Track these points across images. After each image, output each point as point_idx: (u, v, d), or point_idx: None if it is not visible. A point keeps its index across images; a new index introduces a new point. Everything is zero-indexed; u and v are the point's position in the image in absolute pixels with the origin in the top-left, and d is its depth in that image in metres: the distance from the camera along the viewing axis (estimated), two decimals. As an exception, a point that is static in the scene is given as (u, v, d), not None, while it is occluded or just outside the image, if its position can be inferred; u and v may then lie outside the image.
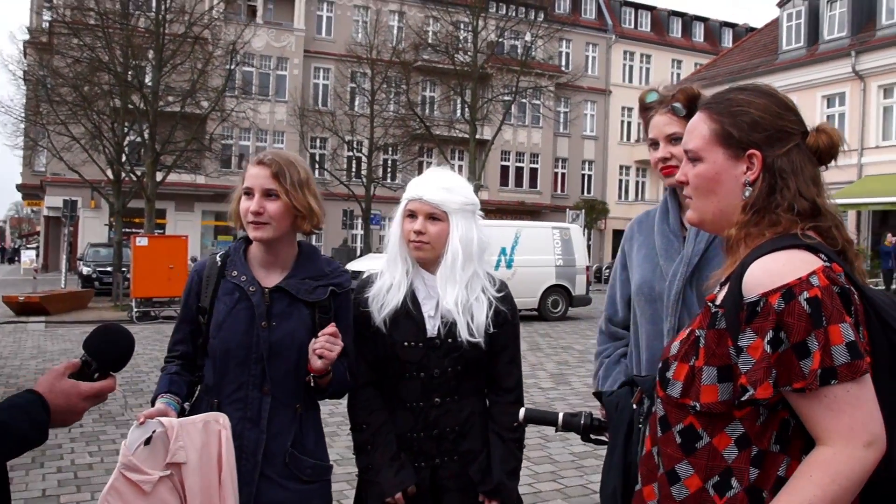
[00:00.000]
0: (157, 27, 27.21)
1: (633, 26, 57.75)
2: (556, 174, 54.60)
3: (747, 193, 1.93)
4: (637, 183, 58.10)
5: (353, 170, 42.80)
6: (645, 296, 3.09)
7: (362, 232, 39.99)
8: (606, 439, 2.51)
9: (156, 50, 27.48)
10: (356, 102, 43.86)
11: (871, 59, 30.88)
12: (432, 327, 3.06)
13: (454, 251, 3.06)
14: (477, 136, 38.01)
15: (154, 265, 20.50)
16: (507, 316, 3.17)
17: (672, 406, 1.90)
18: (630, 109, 57.11)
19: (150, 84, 27.71)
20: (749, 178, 1.93)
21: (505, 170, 50.58)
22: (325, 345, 2.83)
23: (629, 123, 57.37)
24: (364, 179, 39.97)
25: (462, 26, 40.42)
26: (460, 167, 41.45)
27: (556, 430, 2.69)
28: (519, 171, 51.50)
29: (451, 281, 3.06)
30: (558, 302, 22.89)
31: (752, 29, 54.99)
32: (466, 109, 38.74)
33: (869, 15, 32.31)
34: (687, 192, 2.07)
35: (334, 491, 3.29)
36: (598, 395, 2.56)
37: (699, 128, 2.02)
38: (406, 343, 3.05)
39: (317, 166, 46.08)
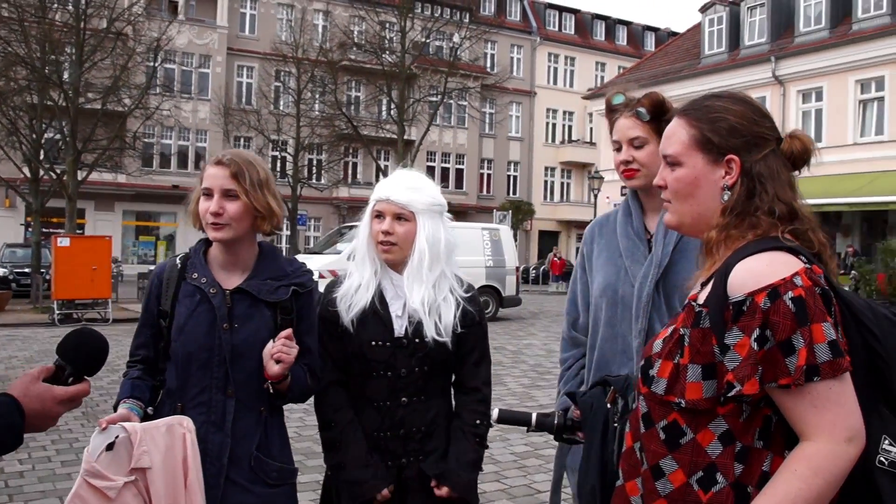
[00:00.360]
0: (78, 21, 26.53)
1: (557, 29, 58.41)
2: (481, 175, 55.06)
3: (725, 197, 2.00)
4: (562, 184, 58.78)
5: (279, 170, 42.51)
6: (608, 298, 3.13)
7: (289, 232, 39.63)
8: (579, 439, 2.53)
9: (76, 45, 26.79)
10: (281, 102, 43.45)
11: (791, 64, 31.54)
12: (399, 327, 3.07)
13: (421, 251, 3.07)
14: (405, 137, 37.96)
15: (76, 266, 20.06)
16: (474, 317, 3.18)
17: (655, 403, 1.95)
18: (555, 111, 57.79)
19: (69, 80, 26.98)
20: (727, 182, 2.00)
21: (431, 170, 50.43)
22: (283, 349, 2.81)
23: (554, 125, 58.06)
24: (290, 179, 39.74)
25: (389, 26, 40.36)
26: (386, 167, 41.31)
27: (529, 430, 2.70)
28: (445, 171, 51.68)
29: (418, 281, 3.08)
30: (489, 303, 22.91)
31: (674, 33, 56.08)
32: (394, 110, 38.63)
33: (788, 22, 33.06)
34: (665, 195, 2.12)
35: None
36: (571, 395, 2.58)
37: (678, 133, 2.08)
38: (373, 342, 3.05)
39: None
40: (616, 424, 2.30)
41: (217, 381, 2.91)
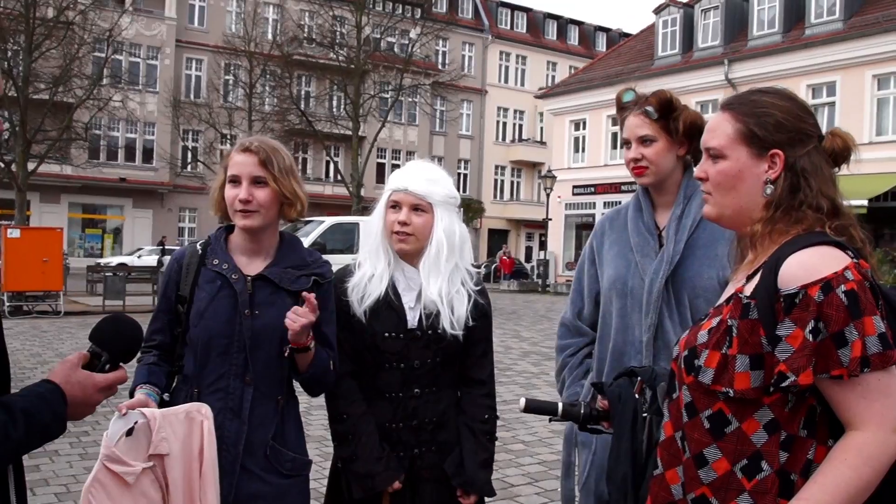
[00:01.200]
0: (27, 10, 26.00)
1: (509, 27, 58.64)
2: (432, 173, 54.81)
3: (768, 191, 2.04)
4: (512, 183, 59.08)
5: (230, 164, 41.86)
6: (618, 291, 3.17)
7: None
8: (603, 429, 2.58)
9: (25, 34, 26.27)
10: (231, 95, 43.03)
11: (743, 67, 31.90)
12: (413, 318, 3.06)
13: (439, 243, 3.07)
14: (360, 134, 37.75)
15: (27, 258, 19.79)
16: (484, 309, 3.20)
17: (701, 392, 1.98)
18: (506, 110, 58.04)
19: (19, 70, 26.43)
20: (771, 176, 2.04)
21: (381, 167, 50.61)
22: (293, 315, 2.79)
23: (504, 124, 58.33)
24: (242, 173, 39.04)
25: (342, 21, 40.07)
26: (336, 164, 41.09)
27: (554, 420, 2.72)
28: (395, 168, 51.26)
29: (435, 273, 3.07)
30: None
31: (626, 34, 56.54)
32: (349, 105, 38.40)
33: (741, 25, 33.45)
34: (706, 187, 2.16)
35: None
36: (597, 386, 2.62)
37: (722, 126, 2.12)
38: (387, 334, 3.04)
39: (190, 159, 45.14)
40: (645, 414, 2.34)
41: (236, 368, 2.89)
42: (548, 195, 37.58)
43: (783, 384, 1.84)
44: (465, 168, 56.90)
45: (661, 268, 3.05)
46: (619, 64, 39.10)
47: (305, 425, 3.56)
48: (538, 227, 52.12)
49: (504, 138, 58.16)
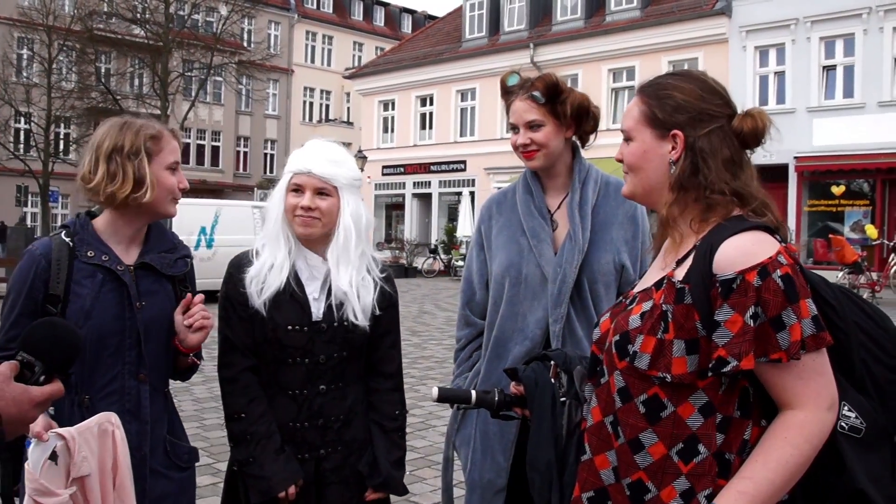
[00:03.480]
0: None
1: (315, 7, 57.76)
2: (238, 153, 53.74)
3: (672, 171, 2.09)
4: (320, 163, 58.34)
5: (26, 143, 39.80)
6: (511, 277, 3.14)
7: (40, 210, 37.24)
8: (515, 415, 2.55)
9: None
10: (27, 70, 40.44)
11: (548, 51, 32.80)
12: (317, 310, 2.90)
13: (346, 228, 2.90)
14: (168, 113, 36.41)
15: None
16: (391, 298, 3.06)
17: (636, 377, 2.00)
18: (312, 90, 57.30)
19: None
20: (673, 157, 2.09)
21: (186, 147, 48.93)
22: (203, 315, 2.73)
23: (311, 104, 57.57)
24: (42, 154, 37.31)
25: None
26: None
27: (468, 408, 2.70)
28: (200, 148, 50.20)
29: (345, 261, 2.91)
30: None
31: (431, 17, 56.89)
32: (157, 84, 36.95)
33: (546, 11, 34.35)
34: (623, 168, 2.22)
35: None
36: (511, 371, 2.54)
37: (632, 110, 2.18)
38: (290, 327, 2.86)
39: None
40: (563, 399, 2.33)
41: (129, 367, 2.74)
42: (359, 176, 37.47)
43: (724, 369, 1.88)
44: (272, 148, 55.86)
45: (574, 257, 3.04)
46: (427, 45, 39.34)
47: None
48: (347, 208, 51.65)
49: (311, 118, 57.41)
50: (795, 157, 26.36)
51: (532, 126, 3.08)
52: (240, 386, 2.90)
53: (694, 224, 2.05)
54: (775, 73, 27.67)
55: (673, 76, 2.18)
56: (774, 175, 25.39)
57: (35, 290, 2.69)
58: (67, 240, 2.75)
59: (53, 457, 2.37)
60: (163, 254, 2.86)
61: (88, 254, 2.73)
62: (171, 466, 2.83)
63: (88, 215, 2.85)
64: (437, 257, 35.23)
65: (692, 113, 2.07)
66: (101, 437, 2.54)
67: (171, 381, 2.99)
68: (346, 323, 2.89)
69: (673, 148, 2.09)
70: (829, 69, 26.80)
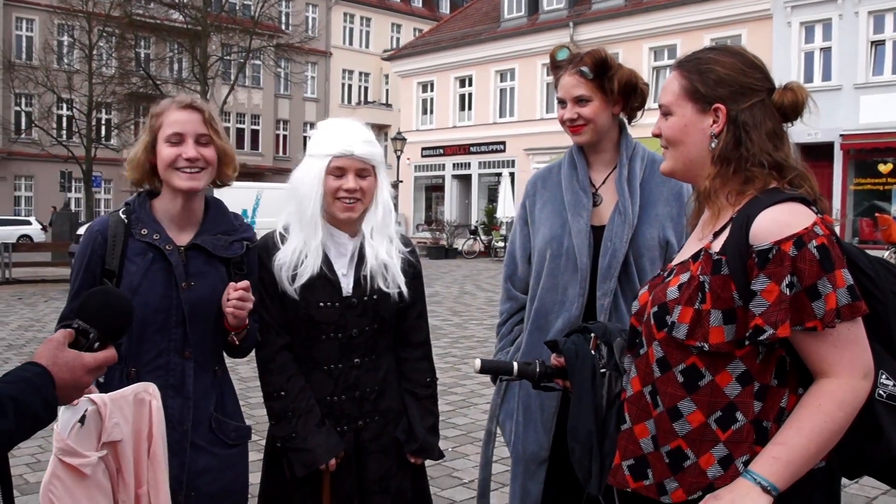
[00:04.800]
0: None
1: (353, -12, 57.76)
2: (277, 136, 54.05)
3: (713, 145, 2.11)
4: (360, 146, 58.44)
5: (68, 129, 40.33)
6: (553, 250, 3.16)
7: (83, 195, 37.69)
8: (557, 386, 2.59)
9: None
10: (68, 57, 40.89)
11: (588, 30, 32.59)
12: (347, 286, 2.96)
13: (385, 205, 3.00)
14: (207, 97, 36.68)
15: None
16: (416, 270, 3.13)
17: (674, 347, 2.04)
18: (351, 72, 57.39)
19: None
20: (715, 130, 2.10)
21: (226, 132, 49.08)
22: (238, 302, 2.74)
23: (350, 86, 57.67)
24: (84, 140, 37.74)
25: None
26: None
27: (510, 380, 2.71)
28: (240, 132, 50.51)
29: (384, 236, 3.00)
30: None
31: (469, -3, 56.59)
32: (197, 68, 37.25)
33: (586, -12, 34.03)
34: (661, 143, 2.24)
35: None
36: (551, 344, 2.59)
37: (671, 84, 2.19)
38: (321, 304, 2.93)
39: (25, 125, 42.97)
40: (603, 370, 2.35)
41: (175, 343, 2.81)
42: (398, 157, 37.52)
43: (760, 338, 1.91)
44: (311, 131, 56.04)
45: (624, 231, 3.05)
46: (466, 26, 39.31)
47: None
48: (387, 190, 51.82)
49: (350, 101, 57.55)
50: (841, 135, 26.06)
51: (580, 101, 3.09)
52: (277, 364, 2.97)
53: (731, 197, 2.07)
54: (821, 49, 27.31)
55: (712, 51, 2.19)
56: (819, 153, 25.13)
57: (93, 265, 2.80)
58: (124, 217, 2.84)
59: (83, 420, 2.43)
60: (219, 235, 2.89)
61: (142, 231, 2.81)
62: (216, 442, 2.87)
63: (148, 195, 2.91)
64: (478, 238, 35.30)
65: (734, 87, 2.09)
66: (137, 405, 2.59)
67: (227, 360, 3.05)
68: (375, 297, 2.95)
69: (714, 122, 2.10)
70: (878, 44, 26.40)
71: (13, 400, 1.56)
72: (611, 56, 3.10)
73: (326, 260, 2.94)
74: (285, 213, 3.03)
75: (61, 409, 2.42)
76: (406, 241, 3.13)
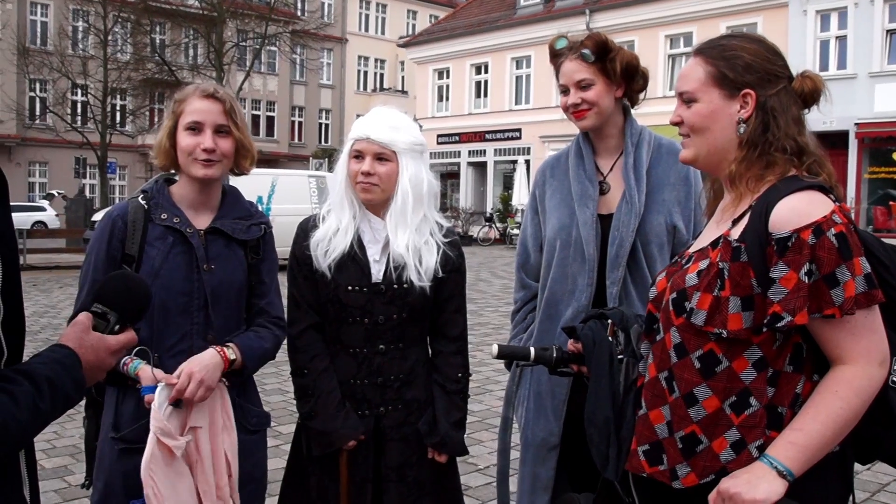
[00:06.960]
0: None
1: (368, -25, 57.66)
2: (293, 123, 54.08)
3: (741, 130, 2.12)
4: (374, 133, 58.35)
5: (83, 115, 40.39)
6: (562, 240, 3.17)
7: (98, 181, 37.75)
8: (572, 371, 2.60)
9: None
10: (83, 43, 40.95)
11: (604, 17, 32.47)
12: (377, 272, 2.97)
13: (404, 193, 2.96)
14: (223, 84, 36.73)
15: None
16: (455, 263, 3.09)
17: (692, 333, 2.07)
18: (366, 59, 57.32)
19: None
20: (743, 115, 2.12)
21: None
22: (196, 391, 2.67)
23: (366, 73, 57.62)
24: (99, 126, 37.75)
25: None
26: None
27: (527, 365, 2.72)
28: (255, 119, 50.57)
29: (402, 224, 2.97)
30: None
31: (485, -16, 56.34)
32: (213, 54, 37.31)
33: (601, -25, 33.86)
34: (682, 131, 2.23)
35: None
36: (569, 329, 2.60)
37: (694, 71, 2.19)
38: (350, 287, 2.95)
39: (39, 111, 43.07)
40: (621, 356, 2.37)
41: (197, 327, 2.83)
42: (414, 144, 37.55)
43: (778, 324, 1.94)
44: (327, 118, 56.13)
45: (631, 220, 3.06)
46: (481, 13, 39.20)
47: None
48: (402, 177, 51.72)
49: (365, 88, 57.50)
50: (856, 124, 25.93)
51: (582, 85, 3.08)
52: (303, 343, 3.01)
53: (750, 183, 2.09)
54: (836, 37, 27.16)
55: (734, 37, 2.20)
56: (834, 142, 25.00)
57: (113, 250, 2.82)
58: (143, 203, 2.86)
59: (178, 403, 2.53)
60: (236, 220, 2.94)
61: (162, 216, 2.84)
62: (239, 429, 2.88)
63: (166, 181, 2.95)
64: (493, 226, 35.28)
65: (761, 73, 2.11)
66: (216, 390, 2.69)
67: None
68: (405, 285, 2.95)
69: (742, 107, 2.12)
70: (893, 33, 26.25)
71: (49, 381, 1.60)
72: (610, 39, 3.11)
73: (360, 243, 2.98)
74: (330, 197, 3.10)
75: (158, 389, 2.54)
76: (447, 233, 3.11)
